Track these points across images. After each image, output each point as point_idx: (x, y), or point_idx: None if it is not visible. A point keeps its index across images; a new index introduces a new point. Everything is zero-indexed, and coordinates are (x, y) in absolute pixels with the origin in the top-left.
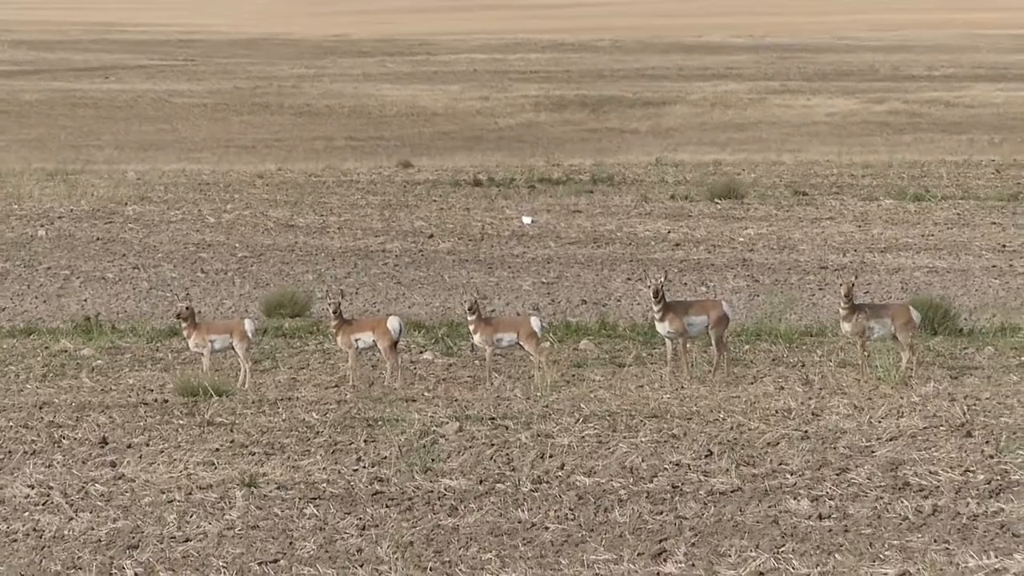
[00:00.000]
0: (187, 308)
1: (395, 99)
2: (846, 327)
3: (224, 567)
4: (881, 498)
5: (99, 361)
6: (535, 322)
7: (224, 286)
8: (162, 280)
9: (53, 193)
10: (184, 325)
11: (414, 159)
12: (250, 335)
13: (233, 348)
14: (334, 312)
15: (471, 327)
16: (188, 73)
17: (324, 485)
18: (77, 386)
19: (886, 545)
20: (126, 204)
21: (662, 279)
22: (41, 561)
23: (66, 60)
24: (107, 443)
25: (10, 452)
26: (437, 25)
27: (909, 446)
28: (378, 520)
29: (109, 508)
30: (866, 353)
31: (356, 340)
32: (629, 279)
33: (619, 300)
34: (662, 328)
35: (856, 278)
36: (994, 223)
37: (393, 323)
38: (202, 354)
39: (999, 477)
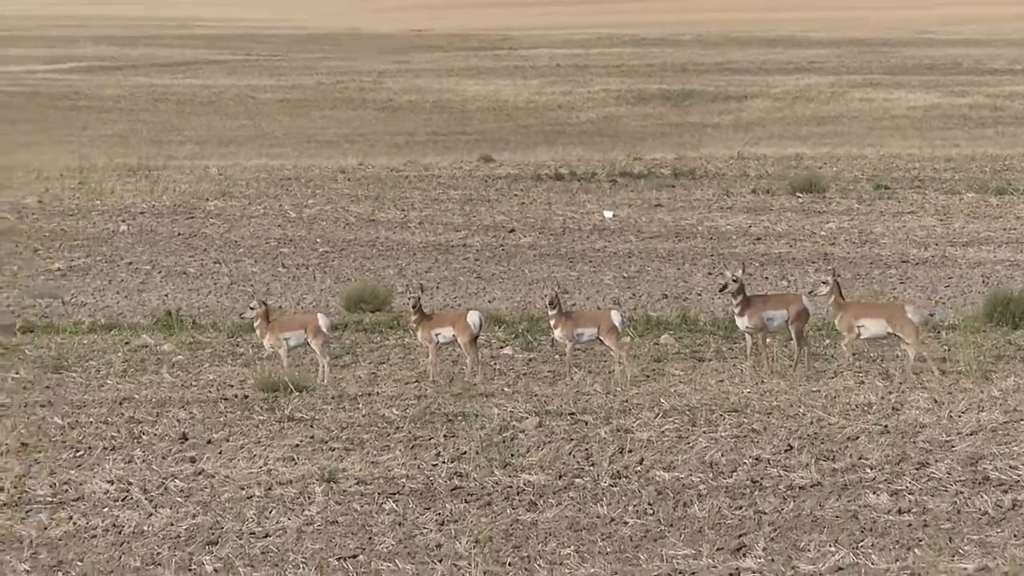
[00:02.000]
0: (262, 303)
1: (476, 94)
2: (840, 325)
3: (303, 562)
4: (960, 492)
5: (179, 356)
6: (615, 317)
7: (305, 281)
8: (243, 275)
9: (135, 189)
10: (257, 323)
11: (495, 154)
12: (325, 330)
13: (309, 344)
14: (413, 307)
15: (551, 322)
16: (270, 68)
17: (403, 480)
18: (157, 382)
19: (965, 540)
20: (207, 199)
21: (740, 273)
22: (120, 557)
23: (148, 55)
24: (187, 439)
25: (90, 448)
26: (519, 20)
27: (989, 440)
28: (457, 515)
29: (188, 504)
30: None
31: (436, 335)
32: (710, 273)
33: (700, 294)
34: (741, 323)
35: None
36: None
37: (473, 318)
38: (278, 353)
39: None
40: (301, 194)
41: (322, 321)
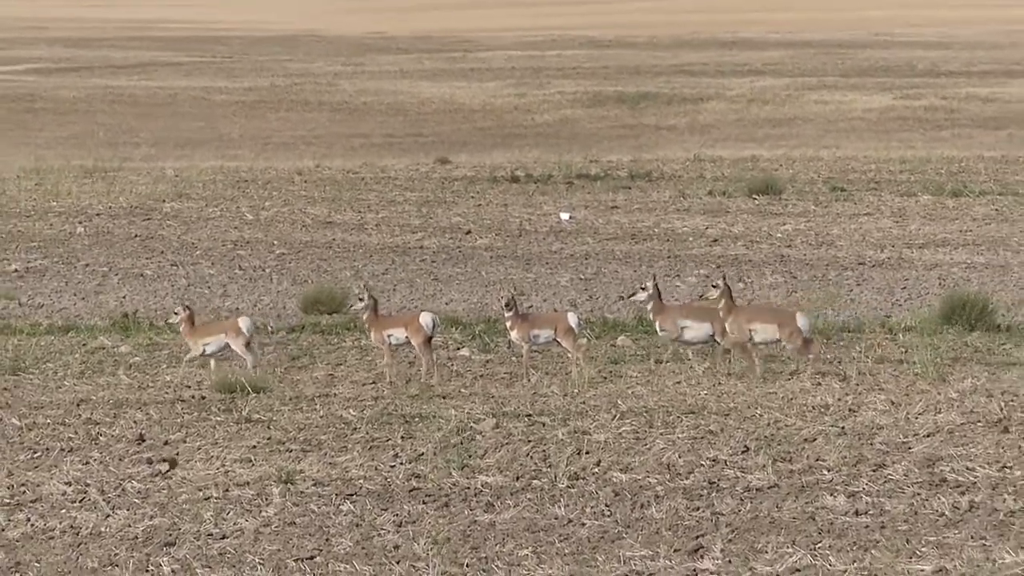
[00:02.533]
0: (185, 308)
1: (432, 96)
2: (731, 329)
3: (260, 564)
4: (918, 494)
5: (136, 358)
6: (572, 318)
7: (262, 283)
8: (200, 277)
9: (91, 190)
10: (182, 328)
11: (452, 155)
12: (245, 332)
13: (230, 347)
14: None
15: (508, 323)
16: (225, 70)
17: (361, 481)
18: (114, 383)
19: (923, 541)
20: (164, 201)
21: (650, 284)
22: (78, 558)
23: (103, 57)
24: (144, 440)
25: (47, 449)
26: (474, 22)
27: (946, 442)
28: (415, 516)
29: (146, 505)
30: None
31: (389, 336)
32: (667, 276)
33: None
34: (657, 327)
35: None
36: None
37: (426, 319)
38: (198, 356)
39: None
40: (258, 196)
41: (243, 323)
